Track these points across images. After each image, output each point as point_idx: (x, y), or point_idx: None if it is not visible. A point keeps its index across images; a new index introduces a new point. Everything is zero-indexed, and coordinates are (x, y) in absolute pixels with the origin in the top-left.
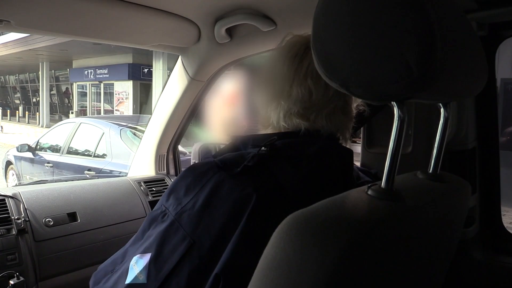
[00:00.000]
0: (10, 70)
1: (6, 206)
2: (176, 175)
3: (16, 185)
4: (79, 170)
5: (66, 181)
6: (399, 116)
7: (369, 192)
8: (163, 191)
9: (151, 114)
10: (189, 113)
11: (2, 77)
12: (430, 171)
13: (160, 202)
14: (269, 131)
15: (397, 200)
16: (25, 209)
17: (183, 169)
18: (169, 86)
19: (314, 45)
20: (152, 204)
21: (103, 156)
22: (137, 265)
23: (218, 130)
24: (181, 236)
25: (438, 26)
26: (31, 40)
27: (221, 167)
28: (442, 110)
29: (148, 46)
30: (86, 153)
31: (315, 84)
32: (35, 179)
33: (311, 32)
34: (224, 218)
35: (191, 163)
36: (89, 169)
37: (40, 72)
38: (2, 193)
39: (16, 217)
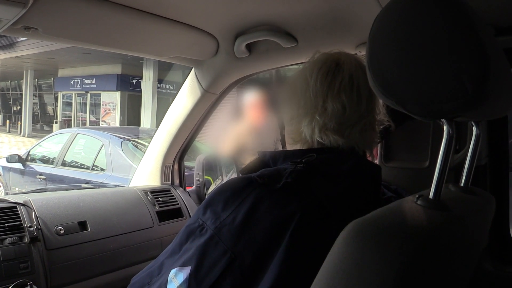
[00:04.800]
0: None
1: (18, 214)
2: (180, 186)
3: (22, 192)
4: (75, 184)
5: (67, 189)
6: (448, 133)
7: (419, 202)
8: (170, 202)
9: (139, 125)
10: (198, 125)
11: None
12: (462, 184)
13: (196, 215)
14: (298, 146)
15: (445, 210)
16: (37, 217)
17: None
18: (180, 98)
19: (370, 64)
20: (160, 214)
21: (102, 169)
22: (176, 278)
23: (230, 144)
24: (222, 250)
25: (491, 52)
26: (17, 47)
27: (260, 183)
28: (474, 128)
29: (165, 58)
30: (83, 166)
31: (348, 100)
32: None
33: (366, 52)
34: (266, 234)
35: (195, 174)
36: (87, 183)
37: (23, 80)
38: (13, 200)
39: (28, 225)
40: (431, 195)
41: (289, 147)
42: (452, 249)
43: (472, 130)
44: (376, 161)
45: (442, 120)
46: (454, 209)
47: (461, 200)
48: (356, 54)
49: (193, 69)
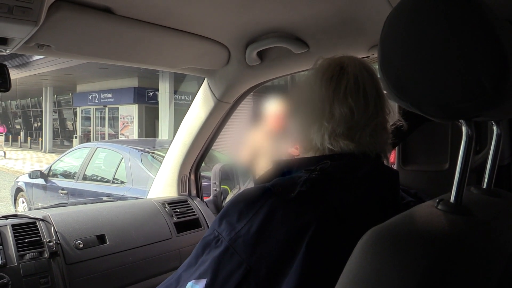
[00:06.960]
0: (12, 95)
1: (38, 229)
2: (198, 196)
3: (41, 208)
4: (96, 197)
5: (86, 203)
6: (467, 134)
7: (439, 207)
8: (187, 212)
9: (157, 137)
10: (213, 134)
11: (3, 103)
12: (484, 186)
13: (212, 227)
14: (311, 154)
15: (467, 214)
16: (56, 232)
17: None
18: (194, 108)
19: (383, 67)
20: (177, 225)
21: (122, 182)
22: None
23: (251, 152)
24: (237, 262)
25: (508, 48)
26: (35, 65)
27: (274, 192)
28: (494, 127)
29: (178, 69)
30: (103, 179)
31: (355, 103)
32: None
33: (378, 54)
34: (281, 245)
35: (212, 184)
36: (108, 196)
37: (43, 97)
38: (33, 216)
39: (47, 240)
40: (452, 199)
41: (302, 155)
42: (476, 255)
43: (492, 130)
44: (393, 166)
45: (460, 120)
46: (477, 213)
47: (484, 203)
48: (369, 56)
49: (205, 79)
